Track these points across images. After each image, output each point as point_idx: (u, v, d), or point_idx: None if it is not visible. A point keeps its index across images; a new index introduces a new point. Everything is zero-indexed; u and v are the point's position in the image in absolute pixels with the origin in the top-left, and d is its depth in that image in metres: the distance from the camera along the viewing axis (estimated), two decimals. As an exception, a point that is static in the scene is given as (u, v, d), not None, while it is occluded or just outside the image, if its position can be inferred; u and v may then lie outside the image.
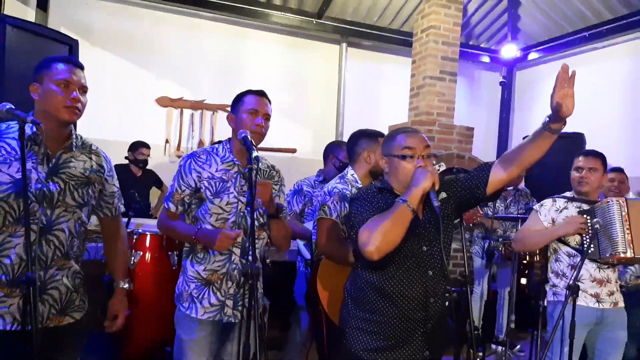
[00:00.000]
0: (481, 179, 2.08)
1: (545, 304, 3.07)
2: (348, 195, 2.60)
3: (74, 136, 2.05)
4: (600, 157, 3.06)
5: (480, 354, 4.25)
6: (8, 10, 5.33)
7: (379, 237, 1.87)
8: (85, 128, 4.27)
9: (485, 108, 8.23)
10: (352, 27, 7.25)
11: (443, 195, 2.12)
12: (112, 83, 6.30)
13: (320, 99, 7.35)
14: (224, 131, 5.24)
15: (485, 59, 8.09)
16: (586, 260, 2.88)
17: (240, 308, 2.30)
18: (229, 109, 2.47)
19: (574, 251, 2.96)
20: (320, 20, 7.05)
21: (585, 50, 6.94)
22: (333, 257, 2.59)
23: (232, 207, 2.30)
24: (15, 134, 1.86)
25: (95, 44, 6.29)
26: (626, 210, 2.84)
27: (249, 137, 2.17)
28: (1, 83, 3.73)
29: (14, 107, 1.81)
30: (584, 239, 2.91)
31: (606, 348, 2.94)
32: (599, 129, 5.86)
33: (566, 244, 2.98)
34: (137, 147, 5.73)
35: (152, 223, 3.68)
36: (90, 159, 2.10)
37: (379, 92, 7.53)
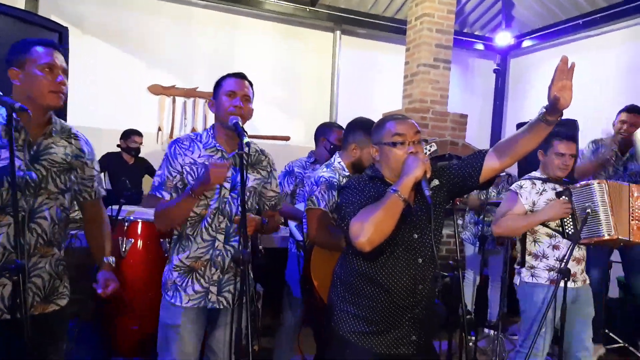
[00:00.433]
0: (474, 168, 2.08)
1: (519, 283, 3.04)
2: (335, 183, 2.59)
3: (54, 121, 2.02)
4: (576, 142, 3.07)
5: (473, 338, 4.28)
6: (-3, -3, 5.25)
7: (370, 228, 1.86)
8: (77, 116, 4.25)
9: (479, 95, 8.24)
10: (346, 15, 7.22)
11: (435, 182, 2.11)
12: (104, 71, 6.26)
13: (314, 86, 7.32)
14: (217, 119, 5.20)
15: (480, 46, 8.09)
16: (566, 241, 2.90)
17: (225, 294, 2.29)
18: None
19: (553, 232, 2.95)
20: (313, 8, 7.00)
21: (579, 38, 6.94)
22: (325, 246, 2.59)
23: (214, 193, 2.27)
24: None
25: (86, 32, 6.23)
26: (608, 192, 2.86)
27: (240, 123, 2.15)
28: (-11, 70, 3.68)
29: (1, 93, 1.79)
30: (564, 221, 2.92)
31: (582, 327, 2.96)
32: (593, 116, 5.86)
33: (546, 226, 2.97)
34: (130, 135, 5.71)
35: (143, 210, 3.66)
36: (70, 143, 2.06)
37: (372, 80, 7.51)
